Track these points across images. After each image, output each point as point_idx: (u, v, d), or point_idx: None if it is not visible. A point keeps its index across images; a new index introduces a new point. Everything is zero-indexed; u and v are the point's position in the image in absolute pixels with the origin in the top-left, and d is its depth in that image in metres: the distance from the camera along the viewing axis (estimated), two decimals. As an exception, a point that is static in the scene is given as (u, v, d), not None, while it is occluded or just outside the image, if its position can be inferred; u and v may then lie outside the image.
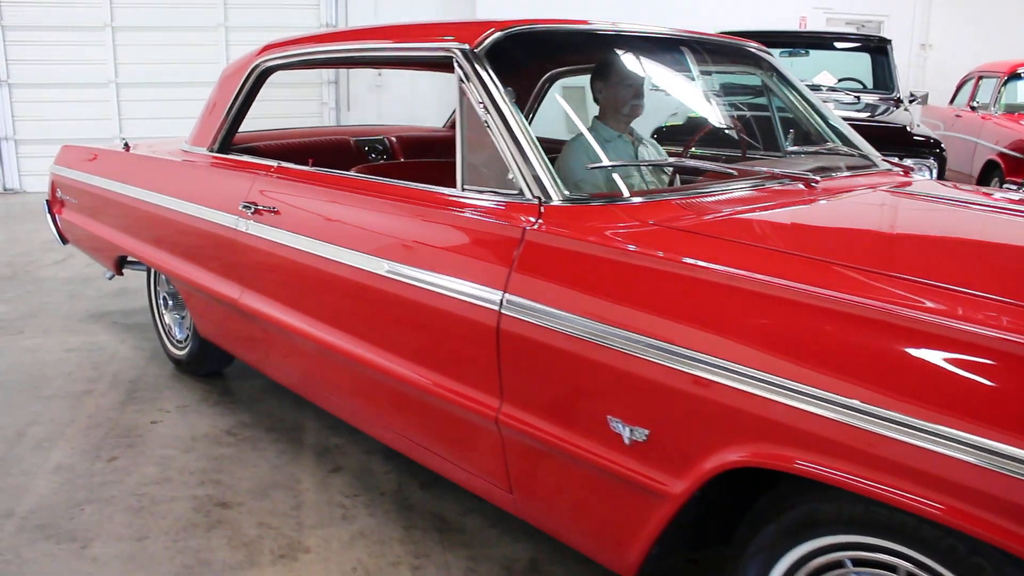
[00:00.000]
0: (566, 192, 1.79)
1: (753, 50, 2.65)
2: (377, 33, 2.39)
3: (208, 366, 3.31)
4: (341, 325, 2.17)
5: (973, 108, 7.85)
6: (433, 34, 2.13)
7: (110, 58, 8.48)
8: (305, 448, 2.75)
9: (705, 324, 1.38)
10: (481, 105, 1.94)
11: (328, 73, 9.21)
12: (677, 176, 2.71)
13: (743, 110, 2.82)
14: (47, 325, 4.08)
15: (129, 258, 3.47)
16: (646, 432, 1.46)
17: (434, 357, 1.89)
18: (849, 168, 2.33)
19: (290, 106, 9.05)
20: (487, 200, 1.88)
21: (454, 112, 4.20)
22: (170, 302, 3.40)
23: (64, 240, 4.14)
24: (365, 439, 2.77)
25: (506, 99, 1.93)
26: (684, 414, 1.40)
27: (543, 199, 1.78)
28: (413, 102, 9.48)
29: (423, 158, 3.57)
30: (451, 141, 3.73)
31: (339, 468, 2.61)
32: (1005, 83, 7.58)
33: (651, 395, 1.44)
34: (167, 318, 3.48)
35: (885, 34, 9.71)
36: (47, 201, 4.14)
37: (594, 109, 2.68)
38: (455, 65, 2.01)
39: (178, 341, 3.40)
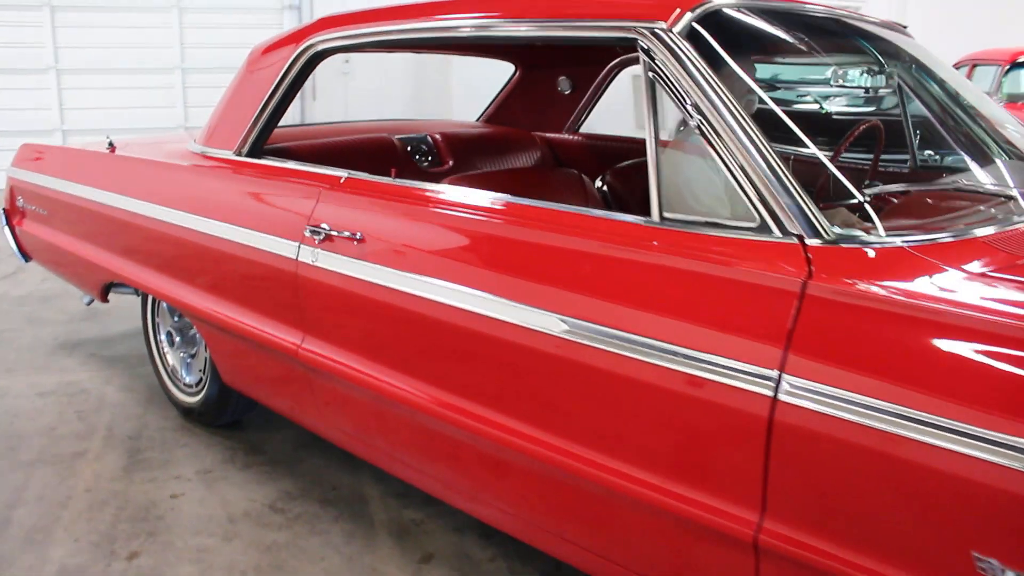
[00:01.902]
0: (836, 228, 1.30)
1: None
2: (509, 7, 1.82)
3: (229, 416, 2.71)
4: (472, 393, 1.63)
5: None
6: (603, 7, 1.60)
7: (49, 41, 7.59)
8: (377, 528, 2.20)
9: None
10: (692, 105, 1.43)
11: (292, 58, 8.51)
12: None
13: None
14: (7, 360, 3.39)
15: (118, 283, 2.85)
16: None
17: (645, 450, 1.38)
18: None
19: (250, 94, 8.36)
20: (707, 235, 1.39)
21: (490, 105, 3.71)
22: (176, 338, 2.78)
23: (27, 257, 3.46)
24: (446, 511, 2.24)
25: (729, 97, 1.42)
26: None
27: (803, 235, 1.29)
28: (384, 91, 8.86)
29: (477, 159, 3.03)
30: (502, 139, 3.21)
31: (430, 556, 2.07)
32: (1007, 72, 7.40)
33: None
34: (171, 357, 2.87)
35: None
36: (3, 210, 3.46)
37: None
38: (643, 51, 1.50)
39: (187, 385, 2.79)
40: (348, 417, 2.01)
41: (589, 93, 3.31)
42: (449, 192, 1.80)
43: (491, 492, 1.72)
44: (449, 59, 8.35)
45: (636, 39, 1.52)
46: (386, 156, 2.76)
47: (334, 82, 8.76)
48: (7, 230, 3.47)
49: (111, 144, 2.97)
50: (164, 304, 2.82)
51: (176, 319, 2.79)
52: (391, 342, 1.79)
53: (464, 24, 1.84)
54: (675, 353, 1.30)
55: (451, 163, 2.94)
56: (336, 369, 1.90)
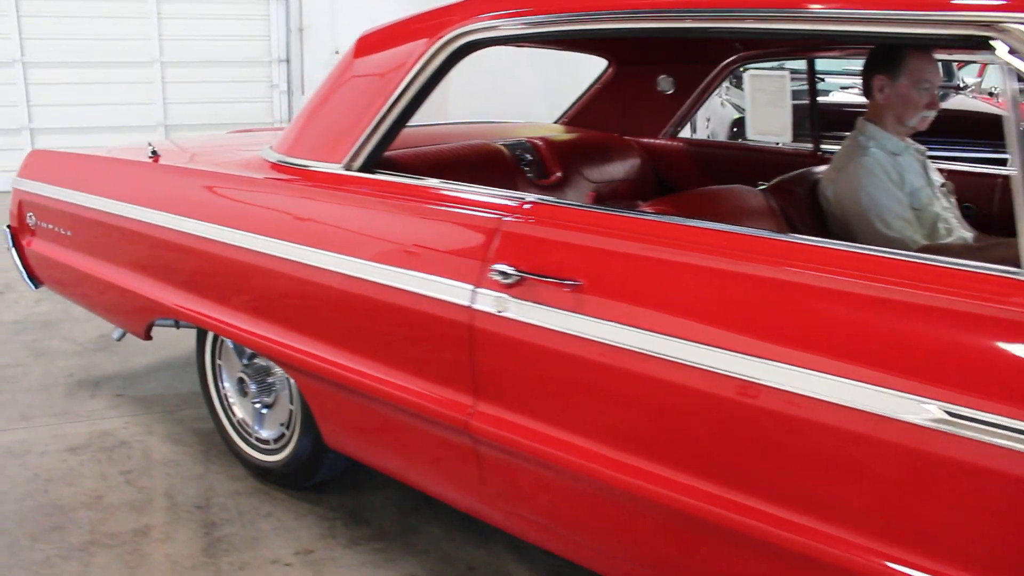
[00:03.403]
0: None
1: None
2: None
3: (318, 478, 2.28)
4: (762, 488, 1.25)
5: (991, 95, 7.50)
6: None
7: (14, 31, 6.92)
8: (544, 626, 1.81)
9: None
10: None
11: (278, 49, 7.96)
12: None
13: None
14: (19, 405, 2.89)
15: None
16: None
17: None
18: None
19: (231, 88, 7.77)
20: None
21: (575, 104, 3.31)
22: (250, 386, 2.33)
23: (37, 283, 2.97)
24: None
25: None
26: None
27: None
28: (375, 85, 8.36)
29: (583, 169, 2.64)
30: (601, 145, 2.81)
31: (623, 666, 1.69)
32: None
33: None
34: (239, 409, 2.41)
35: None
36: (9, 228, 2.95)
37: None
38: (1010, 51, 1.14)
39: (262, 441, 2.35)
40: (534, 502, 1.61)
41: (695, 95, 2.95)
42: (687, 227, 1.41)
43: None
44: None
45: (993, 36, 1.15)
46: (494, 166, 2.36)
47: (323, 74, 8.23)
48: (14, 251, 2.96)
49: (154, 152, 2.50)
50: (229, 344, 2.37)
51: (245, 362, 2.35)
52: (626, 418, 1.40)
53: (746, 15, 1.41)
54: None
55: (559, 174, 2.55)
56: (530, 447, 1.49)
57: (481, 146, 2.41)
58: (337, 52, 8.17)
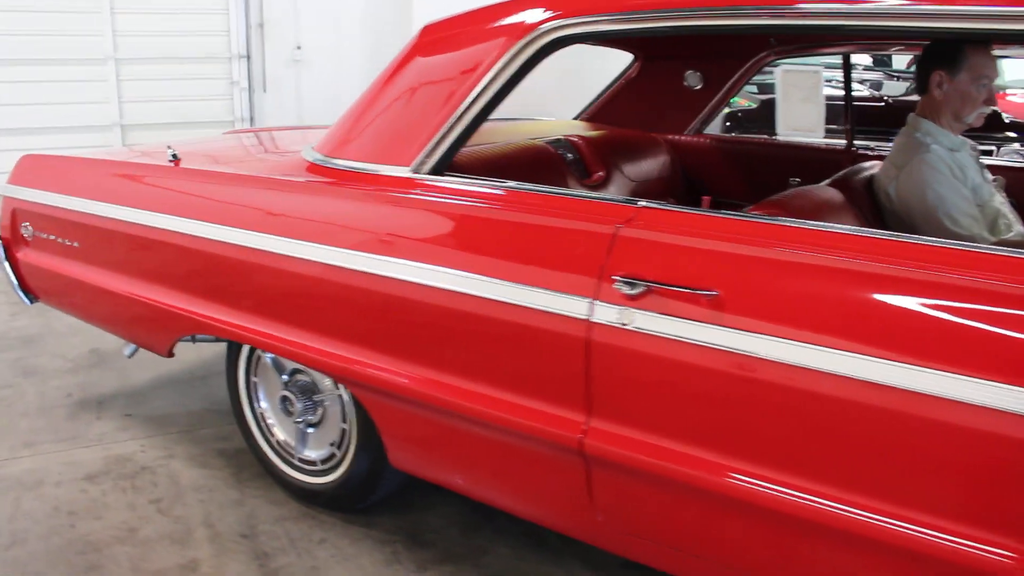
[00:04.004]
0: None
1: None
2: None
3: (374, 499, 2.16)
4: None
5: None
6: None
7: (-44, 26, 6.51)
8: (645, 649, 1.73)
9: None
10: None
11: (238, 45, 7.67)
12: None
13: None
14: (18, 430, 2.67)
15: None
16: None
17: None
18: None
19: (189, 86, 7.45)
20: None
21: (597, 99, 3.22)
22: (295, 404, 2.18)
23: (33, 298, 2.76)
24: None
25: None
26: None
27: None
28: (339, 82, 8.17)
29: (622, 167, 2.57)
30: (632, 142, 2.73)
31: None
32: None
33: None
34: (278, 429, 2.27)
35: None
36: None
37: None
38: None
39: (307, 463, 2.21)
40: (651, 520, 1.52)
41: (724, 90, 2.90)
42: (815, 231, 1.35)
43: None
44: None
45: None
46: (546, 166, 2.27)
47: (286, 71, 7.99)
48: (6, 264, 2.74)
49: (175, 156, 2.33)
50: (267, 360, 2.22)
51: (286, 378, 2.20)
52: (763, 431, 1.33)
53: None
54: None
55: (601, 173, 2.47)
56: (652, 464, 1.41)
57: (531, 145, 2.31)
58: (299, 48, 7.91)
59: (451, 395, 1.64)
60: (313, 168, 2.02)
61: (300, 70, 8.00)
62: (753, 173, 2.86)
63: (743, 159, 2.91)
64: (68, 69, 6.94)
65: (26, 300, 2.76)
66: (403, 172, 1.81)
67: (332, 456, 2.14)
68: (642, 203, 1.50)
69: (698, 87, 2.91)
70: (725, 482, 1.35)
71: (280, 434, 2.26)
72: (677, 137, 2.96)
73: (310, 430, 2.20)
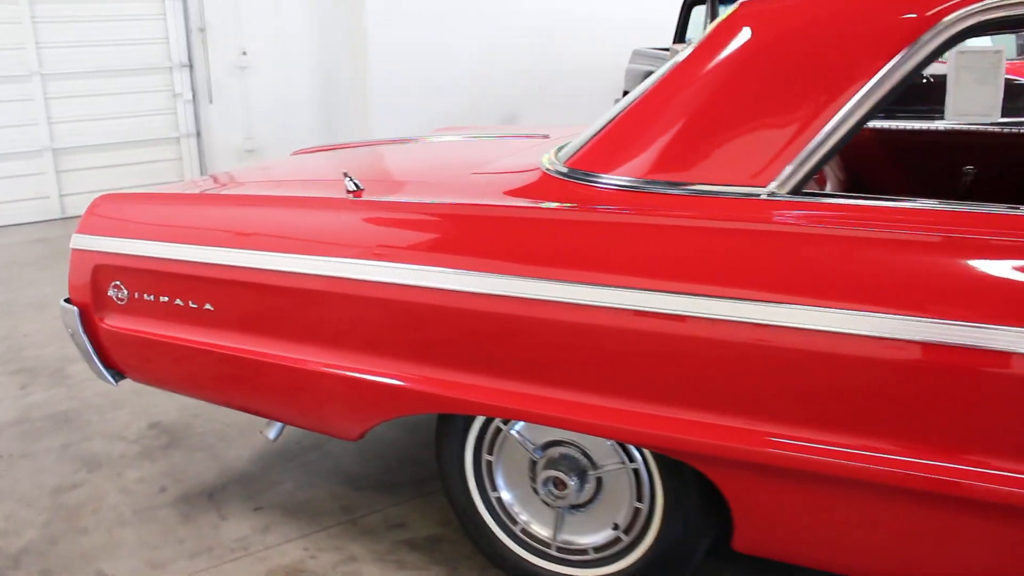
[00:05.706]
0: None
1: None
2: None
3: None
4: None
5: None
6: None
7: None
8: None
9: None
10: None
11: (179, 53, 6.89)
12: None
13: None
14: (133, 547, 2.09)
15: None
16: None
17: None
18: None
19: (127, 101, 6.61)
20: None
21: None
22: (569, 483, 1.72)
23: (118, 376, 2.21)
24: None
25: None
26: None
27: None
28: (286, 90, 7.56)
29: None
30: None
31: None
32: None
33: None
34: (520, 509, 1.83)
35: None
36: (71, 304, 2.15)
37: None
38: None
39: (575, 551, 1.78)
40: None
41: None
42: None
43: None
44: (367, 49, 7.20)
45: None
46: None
47: (229, 79, 7.26)
48: (84, 335, 2.16)
49: (356, 186, 1.84)
50: (515, 433, 1.77)
51: (540, 453, 1.76)
52: None
53: None
54: None
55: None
56: None
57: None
58: (245, 53, 7.20)
59: (882, 467, 1.28)
60: (583, 193, 1.60)
61: (245, 78, 7.29)
62: (920, 163, 2.64)
63: (908, 149, 2.67)
64: (-12, 87, 6.03)
65: (110, 379, 2.20)
66: (759, 193, 1.43)
67: (616, 540, 1.73)
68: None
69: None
70: None
71: (520, 511, 1.83)
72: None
73: (575, 512, 1.77)
